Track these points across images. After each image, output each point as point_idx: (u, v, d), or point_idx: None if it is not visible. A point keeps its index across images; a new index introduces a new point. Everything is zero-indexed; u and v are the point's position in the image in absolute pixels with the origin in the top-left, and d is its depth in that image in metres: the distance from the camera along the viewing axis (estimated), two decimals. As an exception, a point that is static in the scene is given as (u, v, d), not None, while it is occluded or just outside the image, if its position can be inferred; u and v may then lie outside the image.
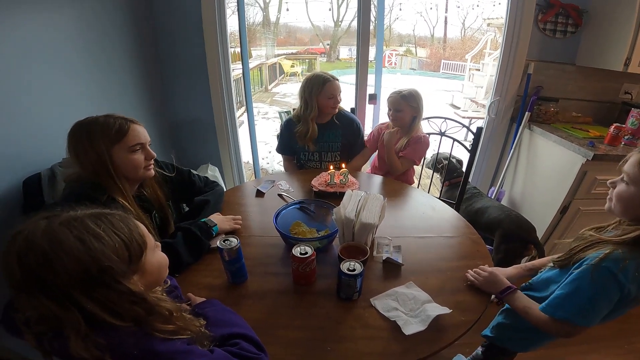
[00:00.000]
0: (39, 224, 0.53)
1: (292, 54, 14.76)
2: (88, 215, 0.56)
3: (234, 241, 0.94)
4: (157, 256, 0.65)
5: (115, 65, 1.82)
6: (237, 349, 0.67)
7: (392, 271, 1.07)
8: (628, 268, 0.77)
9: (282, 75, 11.45)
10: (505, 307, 1.15)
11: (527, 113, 2.22)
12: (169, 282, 0.77)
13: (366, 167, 2.14)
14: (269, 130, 5.59)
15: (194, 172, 1.40)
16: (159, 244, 0.68)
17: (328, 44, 17.27)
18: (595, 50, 2.09)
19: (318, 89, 1.76)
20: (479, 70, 8.67)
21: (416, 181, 2.11)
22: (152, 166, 1.11)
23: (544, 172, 2.13)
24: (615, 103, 2.33)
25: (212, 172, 2.41)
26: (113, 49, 1.79)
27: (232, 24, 2.38)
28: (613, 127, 1.85)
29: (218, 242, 0.95)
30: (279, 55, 13.20)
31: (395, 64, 15.89)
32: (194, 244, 1.07)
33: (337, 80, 1.81)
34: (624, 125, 1.86)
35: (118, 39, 1.83)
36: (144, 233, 0.62)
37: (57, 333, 0.50)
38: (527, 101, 2.26)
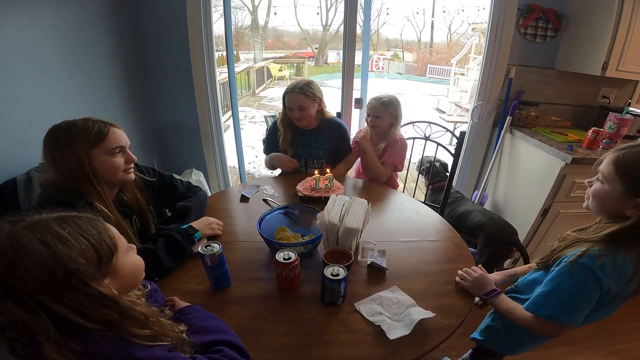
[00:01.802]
0: (3, 228, 0.52)
1: (280, 57, 14.78)
2: (53, 219, 0.55)
3: (215, 247, 0.93)
4: (130, 259, 0.64)
5: (97, 68, 1.79)
6: (221, 356, 0.66)
7: (377, 275, 1.07)
8: (605, 264, 0.79)
9: (270, 79, 11.44)
10: (493, 310, 1.15)
11: (508, 117, 2.25)
12: (149, 286, 0.76)
13: (351, 173, 2.14)
14: (256, 134, 5.57)
15: (177, 176, 1.38)
16: (133, 246, 0.66)
17: (316, 48, 17.35)
18: (573, 55, 2.14)
19: (284, 98, 1.76)
20: (463, 74, 8.84)
21: (401, 185, 2.12)
22: (132, 170, 1.09)
23: (525, 176, 2.17)
24: (594, 107, 2.39)
25: (196, 177, 2.38)
26: (95, 52, 1.76)
27: (219, 27, 2.36)
28: (591, 131, 1.89)
29: (200, 248, 0.93)
30: (267, 58, 13.22)
31: (382, 68, 16.08)
32: (175, 249, 1.05)
33: (305, 92, 1.67)
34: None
35: (100, 41, 1.79)
36: (114, 235, 0.60)
37: (31, 338, 0.49)
38: (508, 105, 2.30)
